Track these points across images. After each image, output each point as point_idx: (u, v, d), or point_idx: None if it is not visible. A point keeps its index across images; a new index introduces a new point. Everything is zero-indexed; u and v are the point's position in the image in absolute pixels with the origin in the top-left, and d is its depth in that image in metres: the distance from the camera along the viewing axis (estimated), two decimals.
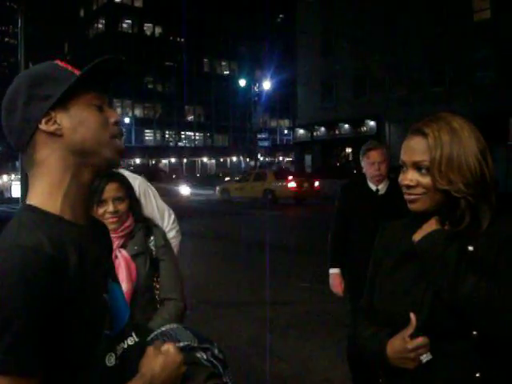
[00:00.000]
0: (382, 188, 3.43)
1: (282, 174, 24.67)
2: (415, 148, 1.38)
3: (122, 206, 2.13)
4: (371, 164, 3.40)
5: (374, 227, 3.33)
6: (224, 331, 5.00)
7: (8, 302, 0.88)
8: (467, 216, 1.34)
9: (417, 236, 1.38)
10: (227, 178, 34.87)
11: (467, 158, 1.33)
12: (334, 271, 3.55)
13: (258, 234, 12.87)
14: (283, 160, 47.64)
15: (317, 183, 23.70)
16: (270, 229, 13.04)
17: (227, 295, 6.96)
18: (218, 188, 27.56)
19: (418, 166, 1.38)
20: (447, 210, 1.37)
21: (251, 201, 24.04)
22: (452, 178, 1.32)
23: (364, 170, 3.51)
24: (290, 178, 23.36)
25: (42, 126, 1.03)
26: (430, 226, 1.37)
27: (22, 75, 1.08)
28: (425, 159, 1.36)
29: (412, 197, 1.40)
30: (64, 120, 1.04)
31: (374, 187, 3.45)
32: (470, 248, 1.34)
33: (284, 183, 22.99)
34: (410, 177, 1.39)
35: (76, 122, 1.05)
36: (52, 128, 1.04)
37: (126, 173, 2.53)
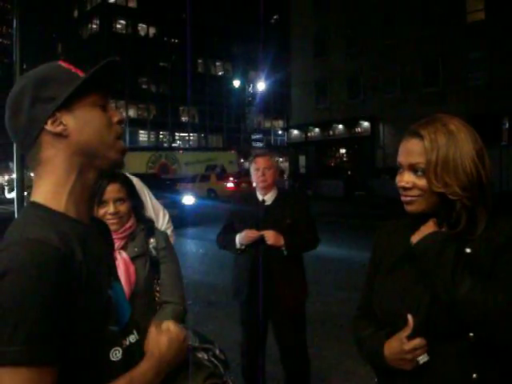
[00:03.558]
0: (268, 198, 3.37)
1: (222, 176, 27.98)
2: (411, 150, 1.38)
3: (122, 207, 2.11)
4: (256, 170, 3.35)
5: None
6: (218, 332, 4.99)
7: (21, 293, 0.89)
8: (463, 218, 1.34)
9: (415, 238, 1.38)
10: None
11: (463, 161, 1.32)
12: (238, 237, 3.35)
13: None
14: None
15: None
16: None
17: (221, 296, 6.94)
18: None
19: (414, 168, 1.38)
20: (444, 212, 1.37)
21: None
22: (447, 181, 1.32)
23: (252, 179, 3.46)
24: (231, 179, 26.46)
25: (48, 127, 1.05)
26: (428, 227, 1.37)
27: (26, 76, 1.09)
28: (421, 161, 1.35)
29: (408, 198, 1.40)
30: (70, 121, 1.06)
31: (260, 197, 3.39)
32: (468, 250, 1.34)
33: (224, 184, 26.12)
34: (406, 178, 1.40)
35: (81, 123, 1.07)
36: (58, 129, 1.05)
37: None
